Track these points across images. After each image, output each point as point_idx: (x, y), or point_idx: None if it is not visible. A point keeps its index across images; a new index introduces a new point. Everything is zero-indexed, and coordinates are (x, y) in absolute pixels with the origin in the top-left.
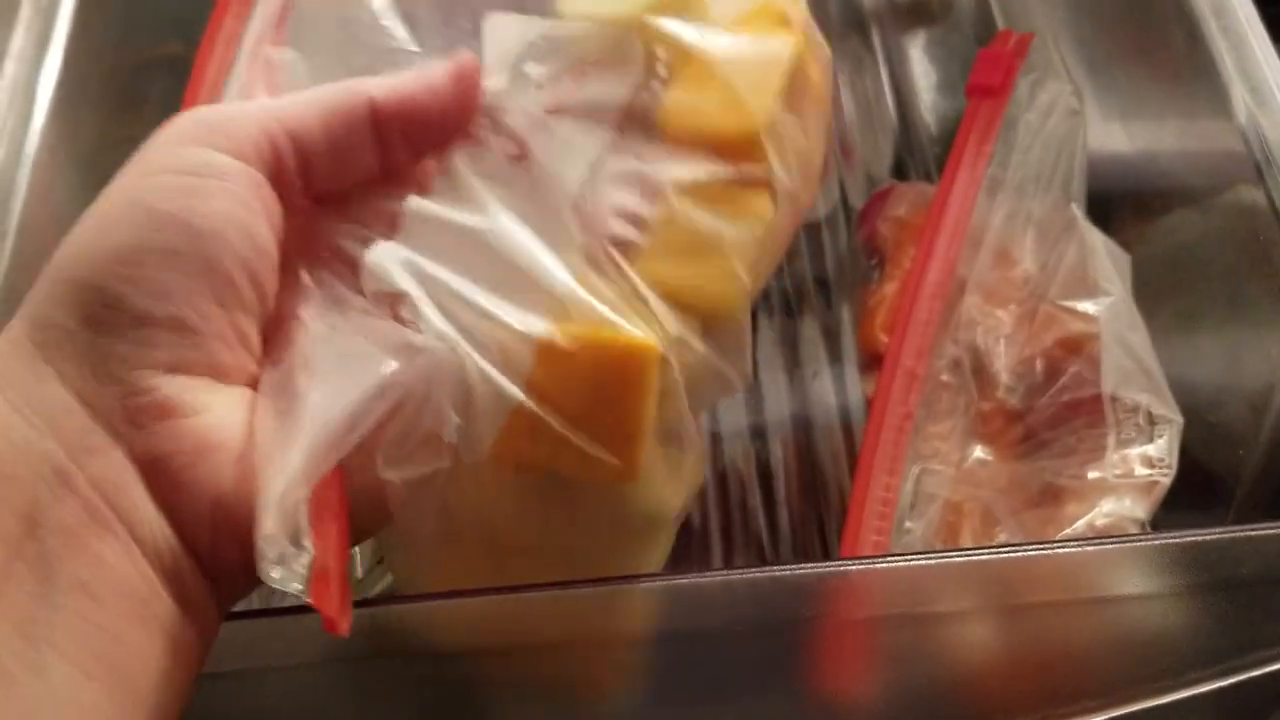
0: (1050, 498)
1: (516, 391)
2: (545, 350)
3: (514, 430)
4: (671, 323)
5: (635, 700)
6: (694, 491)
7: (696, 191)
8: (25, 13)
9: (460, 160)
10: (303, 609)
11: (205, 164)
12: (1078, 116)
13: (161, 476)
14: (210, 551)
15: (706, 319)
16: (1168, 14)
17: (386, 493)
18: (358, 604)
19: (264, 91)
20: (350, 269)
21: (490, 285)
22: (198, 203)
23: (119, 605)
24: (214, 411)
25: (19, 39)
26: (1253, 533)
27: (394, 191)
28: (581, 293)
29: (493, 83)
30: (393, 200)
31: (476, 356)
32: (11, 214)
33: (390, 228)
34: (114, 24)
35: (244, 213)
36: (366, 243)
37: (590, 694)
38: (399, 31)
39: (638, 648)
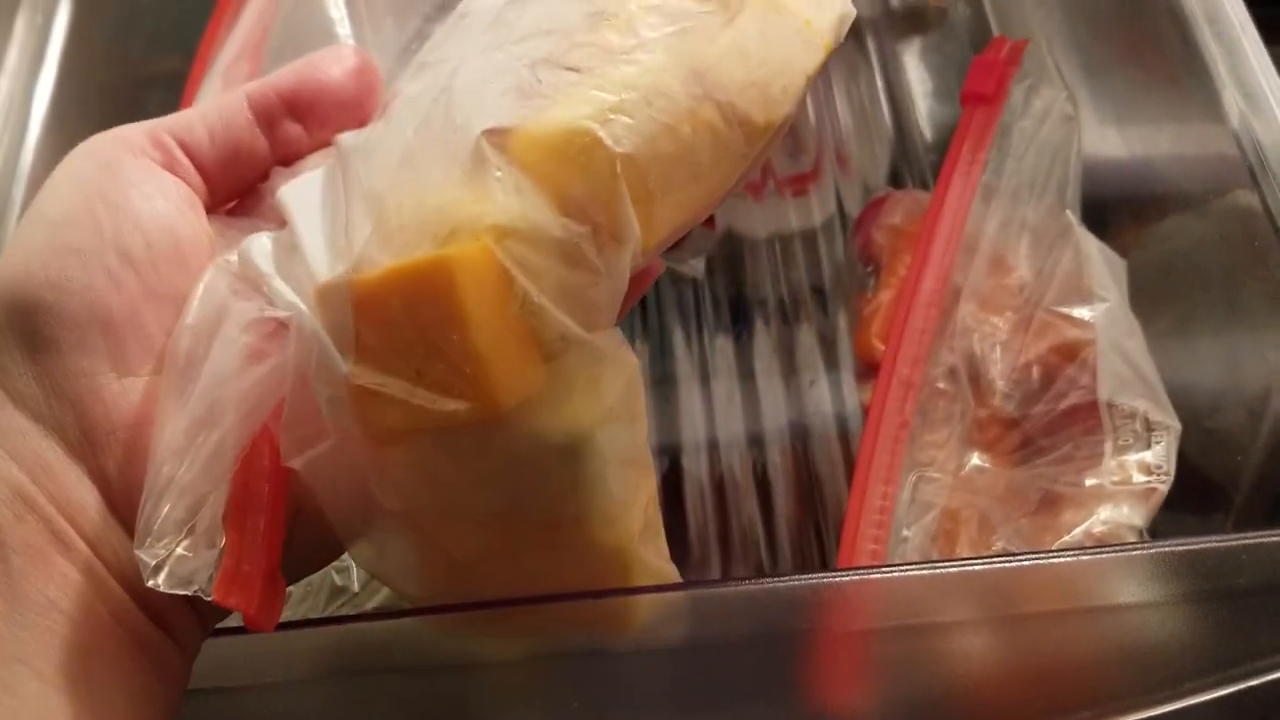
0: (1047, 505)
1: (339, 359)
2: (357, 294)
3: (360, 397)
4: (528, 207)
5: (632, 713)
6: (628, 407)
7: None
8: (20, 29)
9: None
10: (287, 625)
11: (97, 164)
12: (1072, 122)
13: (120, 493)
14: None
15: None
16: (1161, 18)
17: (305, 487)
18: (333, 620)
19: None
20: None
21: (327, 236)
22: (93, 197)
23: (89, 622)
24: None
25: (13, 55)
26: (1251, 540)
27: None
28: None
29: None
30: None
31: (319, 329)
32: (6, 229)
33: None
34: (110, 40)
35: (148, 203)
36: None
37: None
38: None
39: (633, 660)
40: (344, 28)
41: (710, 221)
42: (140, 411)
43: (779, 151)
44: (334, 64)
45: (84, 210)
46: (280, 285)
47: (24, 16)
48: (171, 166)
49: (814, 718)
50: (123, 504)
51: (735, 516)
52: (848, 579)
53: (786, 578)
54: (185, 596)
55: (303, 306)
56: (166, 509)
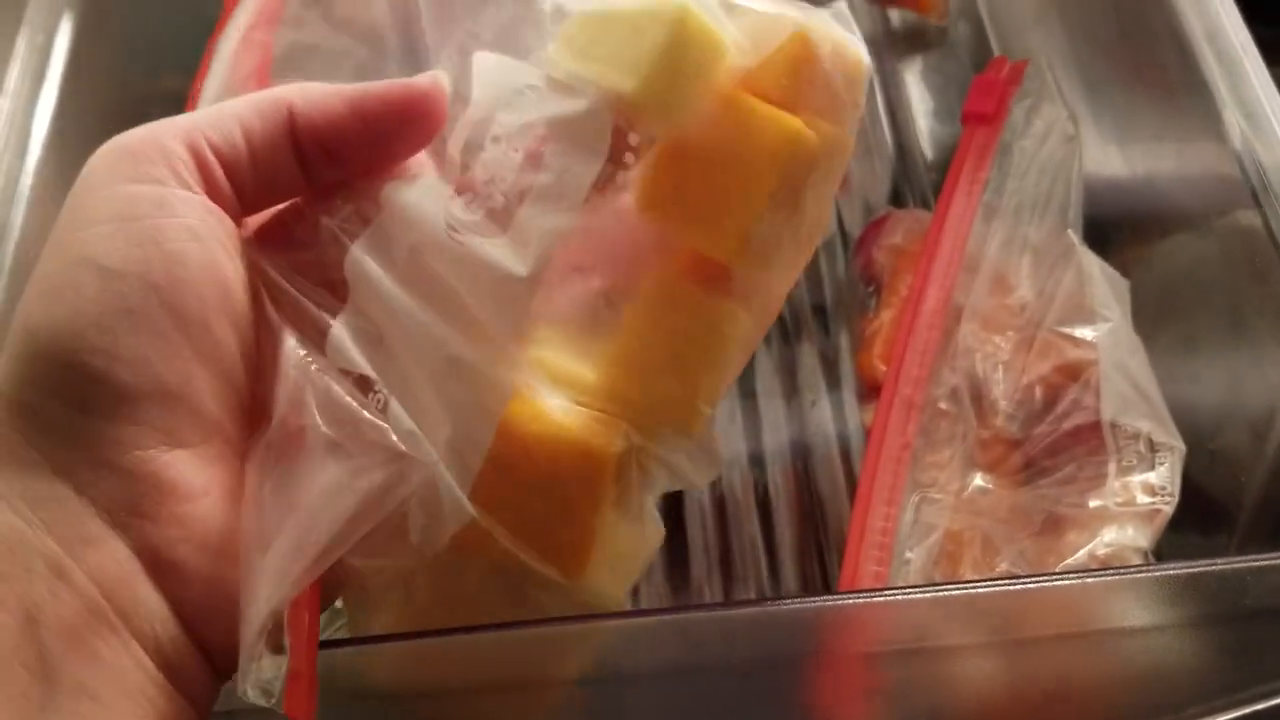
0: (1051, 526)
1: (469, 508)
2: (497, 446)
3: (466, 532)
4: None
5: None
6: (641, 573)
7: (663, 297)
8: (21, 48)
9: (395, 211)
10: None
11: (147, 204)
12: (1073, 142)
13: (166, 567)
14: (218, 637)
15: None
16: (1162, 38)
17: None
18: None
19: (253, 77)
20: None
21: (436, 372)
22: (150, 251)
23: (121, 705)
24: (212, 494)
25: (14, 76)
26: (1255, 563)
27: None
28: (532, 382)
29: (460, 128)
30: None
31: (440, 467)
32: (6, 252)
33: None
34: (111, 60)
35: (200, 247)
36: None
37: None
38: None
39: (636, 684)
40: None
41: None
42: (188, 483)
43: None
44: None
45: (137, 259)
46: (396, 406)
47: (25, 36)
48: (214, 191)
49: None
50: (167, 576)
51: (736, 537)
52: (851, 602)
53: (789, 600)
54: (214, 664)
55: (420, 435)
56: (261, 624)
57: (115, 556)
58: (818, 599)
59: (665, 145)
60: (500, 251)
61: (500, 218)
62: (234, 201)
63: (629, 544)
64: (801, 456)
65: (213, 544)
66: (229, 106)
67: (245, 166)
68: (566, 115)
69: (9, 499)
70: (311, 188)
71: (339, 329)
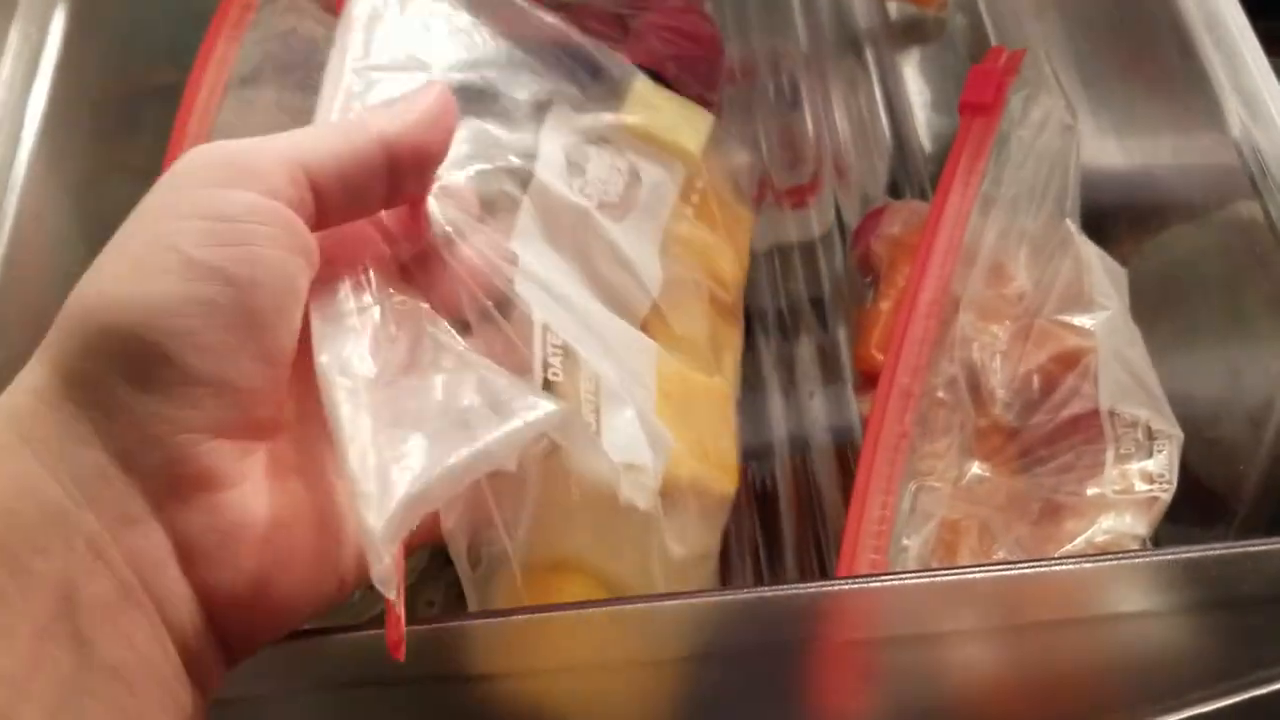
0: (1049, 515)
1: (671, 438)
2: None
3: None
4: None
5: None
6: None
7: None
8: (14, 39)
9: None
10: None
11: (241, 208)
12: (1071, 131)
13: (197, 555)
14: (238, 629)
15: None
16: (1161, 28)
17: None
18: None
19: None
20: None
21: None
22: (235, 250)
23: (148, 692)
24: (248, 483)
25: (7, 66)
26: (1254, 549)
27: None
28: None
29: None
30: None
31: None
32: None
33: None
34: (105, 52)
35: (282, 259)
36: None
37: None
38: None
39: (635, 670)
40: None
41: None
42: (225, 472)
43: (778, 163)
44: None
45: (224, 256)
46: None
47: (18, 27)
48: (301, 209)
49: None
50: (196, 564)
51: (734, 529)
52: (849, 586)
53: (787, 587)
54: (228, 656)
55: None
56: (404, 517)
57: (152, 539)
58: (815, 585)
59: None
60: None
61: (614, 212)
62: (315, 219)
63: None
64: (800, 449)
65: (241, 535)
66: (327, 132)
67: (335, 190)
68: (652, 153)
69: (54, 470)
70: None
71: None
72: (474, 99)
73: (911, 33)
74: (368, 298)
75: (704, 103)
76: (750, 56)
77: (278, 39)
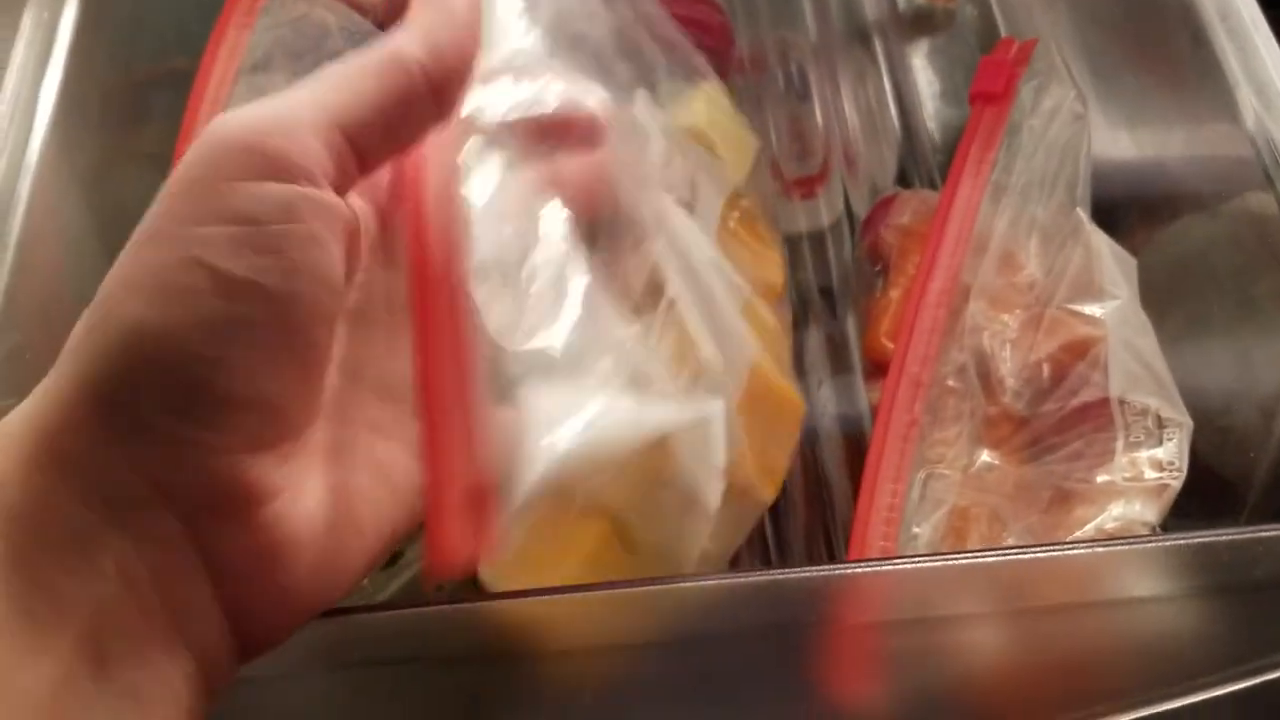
0: (1059, 502)
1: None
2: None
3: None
4: None
5: (642, 705)
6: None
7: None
8: (26, 26)
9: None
10: None
11: (272, 207)
12: (1081, 121)
13: (232, 572)
14: (260, 635)
15: None
16: (1173, 18)
17: None
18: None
19: None
20: None
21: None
22: (273, 260)
23: (158, 710)
24: (286, 491)
25: (20, 52)
26: (1265, 533)
27: None
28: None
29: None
30: None
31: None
32: (12, 227)
33: None
34: (116, 39)
35: (319, 259)
36: None
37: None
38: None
39: (645, 652)
40: None
41: None
42: (264, 485)
43: (787, 154)
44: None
45: (257, 269)
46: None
47: (31, 13)
48: (342, 179)
49: (826, 711)
50: (227, 578)
51: None
52: (859, 570)
53: (798, 570)
54: (241, 655)
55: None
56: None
57: (184, 560)
58: (825, 567)
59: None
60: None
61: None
62: (358, 174)
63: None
64: (810, 439)
65: (277, 558)
66: (358, 75)
67: (379, 139)
68: (706, 161)
69: (86, 493)
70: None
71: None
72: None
73: (920, 23)
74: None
75: None
76: (759, 47)
77: (289, 25)
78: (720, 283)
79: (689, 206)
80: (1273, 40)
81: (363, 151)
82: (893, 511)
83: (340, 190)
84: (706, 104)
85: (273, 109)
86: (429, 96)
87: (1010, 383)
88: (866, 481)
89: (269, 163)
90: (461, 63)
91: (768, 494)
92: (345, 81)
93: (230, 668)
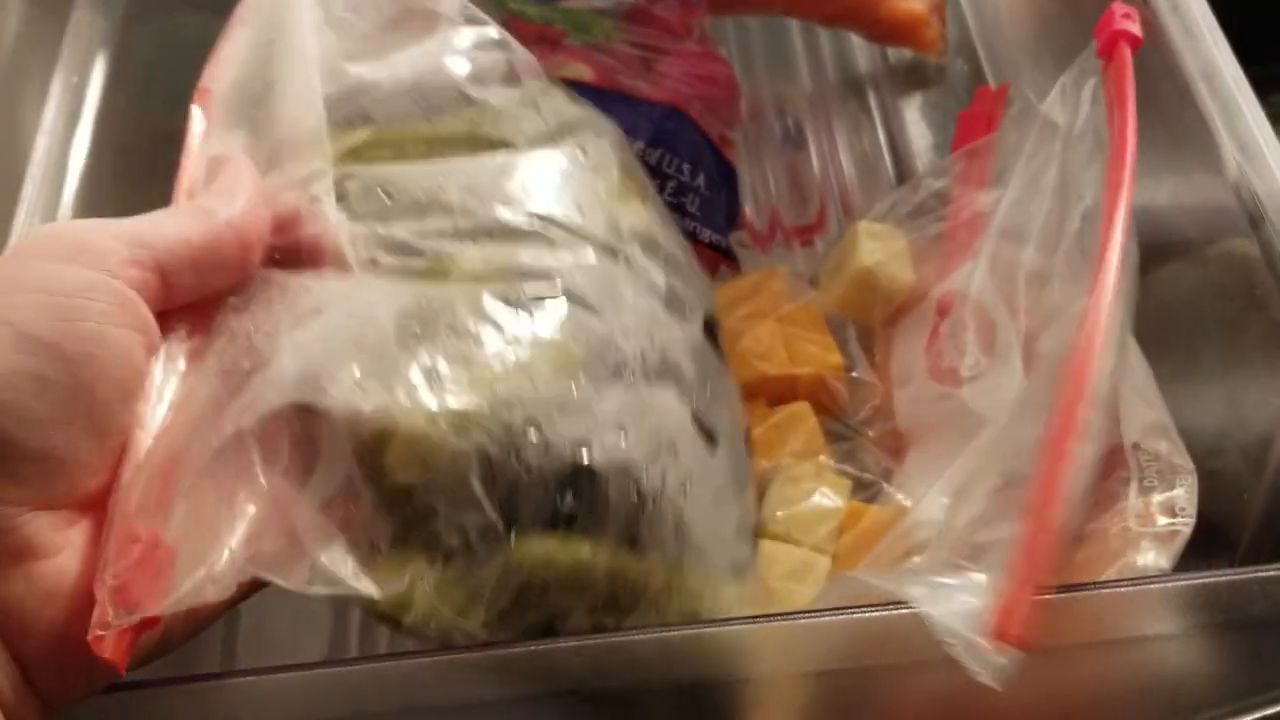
0: (1076, 551)
1: None
2: None
3: None
4: None
5: None
6: None
7: None
8: (56, 90)
9: None
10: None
11: (78, 284)
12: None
13: (12, 621)
14: (55, 686)
15: None
16: (1157, 75)
17: None
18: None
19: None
20: None
21: None
22: (70, 326)
23: None
24: (65, 552)
25: (50, 113)
26: (1263, 574)
27: None
28: None
29: None
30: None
31: None
32: None
33: None
34: (136, 98)
35: (118, 334)
36: None
37: None
38: None
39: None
40: None
41: (735, 264)
42: (44, 542)
43: (785, 203)
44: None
45: (56, 331)
46: None
47: (60, 77)
48: (145, 290)
49: None
50: (14, 628)
51: None
52: (857, 616)
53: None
54: (44, 707)
55: None
56: None
57: None
58: (838, 609)
59: None
60: None
61: None
62: (163, 299)
63: None
64: None
65: (59, 601)
66: (176, 220)
67: (186, 271)
68: None
69: None
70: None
71: None
72: None
73: (912, 77)
74: None
75: (724, 141)
76: (757, 100)
77: None
78: None
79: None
80: (1254, 97)
81: (170, 282)
82: None
83: (147, 299)
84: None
85: (94, 220)
86: (235, 248)
87: None
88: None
89: (80, 251)
90: (261, 226)
91: None
92: (164, 215)
93: (35, 713)
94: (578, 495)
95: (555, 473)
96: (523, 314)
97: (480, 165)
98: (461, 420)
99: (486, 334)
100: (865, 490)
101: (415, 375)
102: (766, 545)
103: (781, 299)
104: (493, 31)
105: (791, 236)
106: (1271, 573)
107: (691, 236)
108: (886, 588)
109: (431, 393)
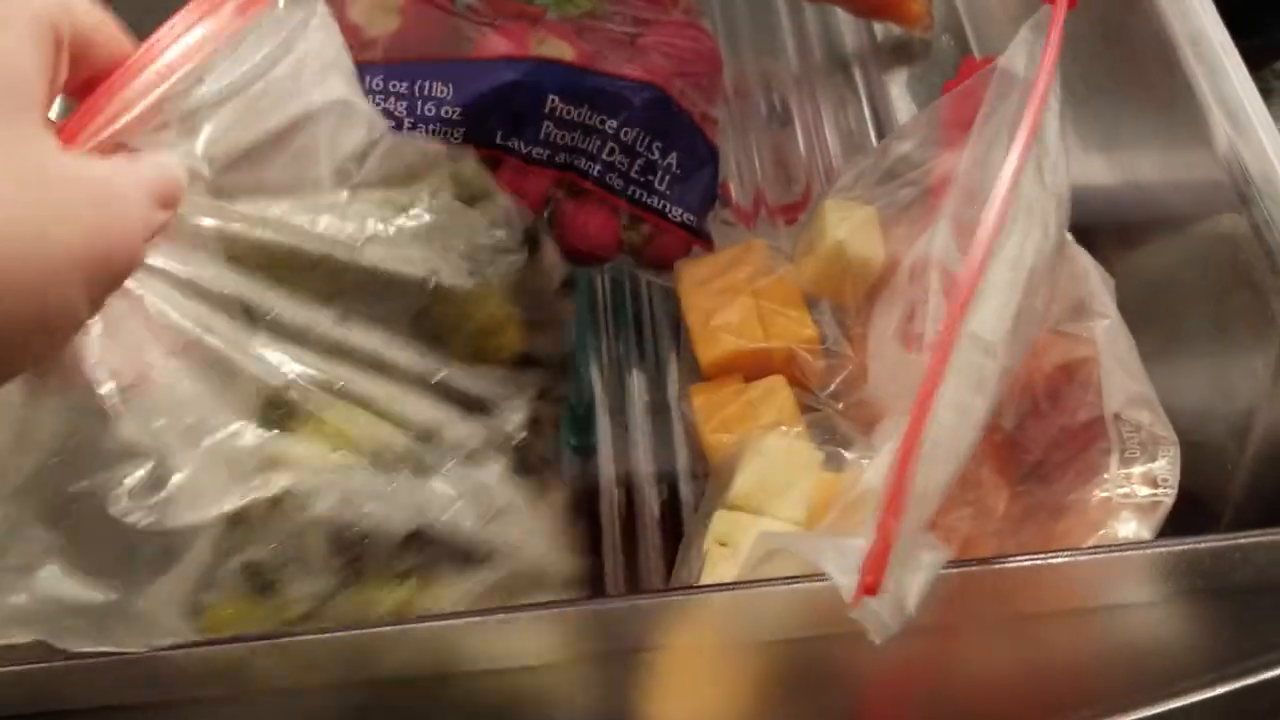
0: (1055, 520)
1: None
2: None
3: None
4: None
5: None
6: None
7: None
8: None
9: None
10: None
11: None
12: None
13: None
14: None
15: None
16: (1145, 44)
17: None
18: None
19: None
20: None
21: None
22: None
23: None
24: None
25: None
26: (1244, 540)
27: None
28: None
29: None
30: None
31: None
32: None
33: None
34: None
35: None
36: None
37: None
38: None
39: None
40: None
41: (707, 243)
42: None
43: (771, 181)
44: None
45: None
46: None
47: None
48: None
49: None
50: None
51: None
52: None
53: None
54: None
55: None
56: None
57: None
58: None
59: None
60: None
61: None
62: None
63: None
64: None
65: None
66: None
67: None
68: None
69: None
70: None
71: None
72: None
73: (898, 53)
74: None
75: (706, 120)
76: (743, 77)
77: None
78: None
79: None
80: (1242, 64)
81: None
82: None
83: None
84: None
85: None
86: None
87: (1006, 406)
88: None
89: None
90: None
91: None
92: None
93: None
94: None
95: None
96: None
97: None
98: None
99: None
100: (837, 462)
101: None
102: (740, 518)
103: (758, 272)
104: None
105: (776, 214)
106: (1250, 539)
107: (660, 215)
108: (795, 546)
109: None
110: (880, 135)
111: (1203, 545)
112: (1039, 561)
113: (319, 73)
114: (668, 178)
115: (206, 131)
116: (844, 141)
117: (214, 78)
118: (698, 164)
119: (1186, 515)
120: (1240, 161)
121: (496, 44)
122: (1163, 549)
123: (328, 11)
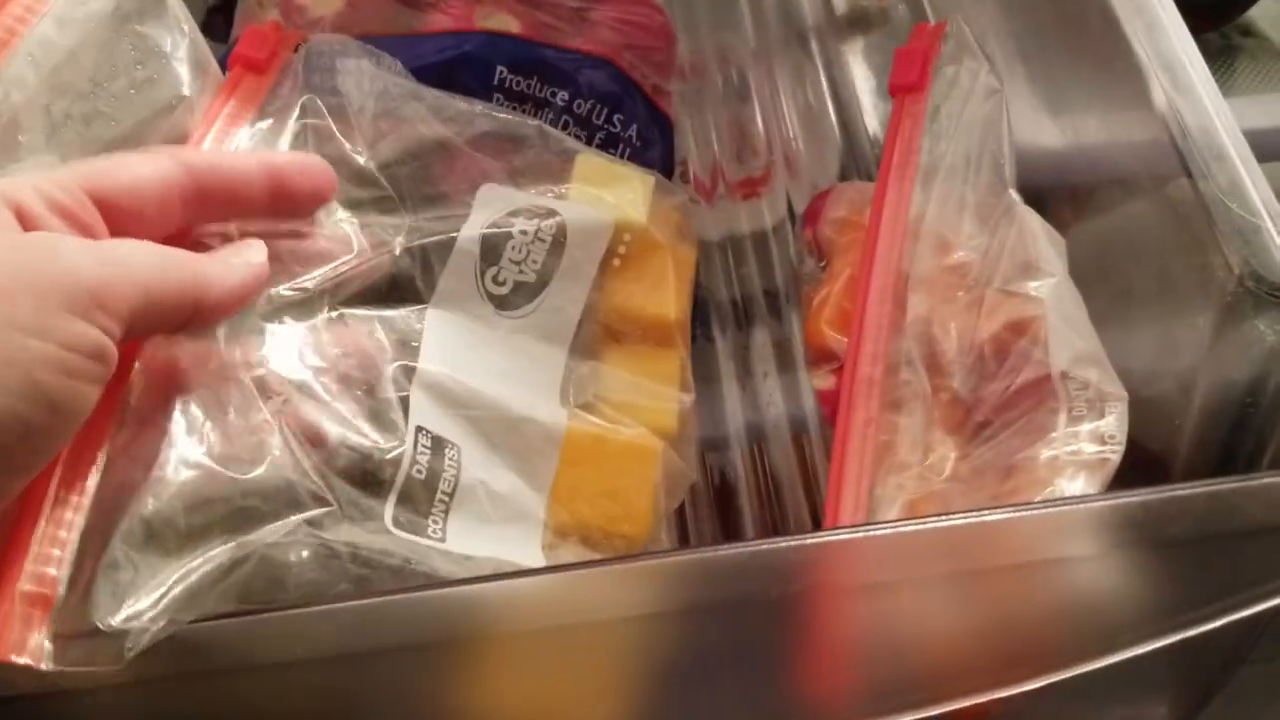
0: (1004, 480)
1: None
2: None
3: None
4: None
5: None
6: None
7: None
8: None
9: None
10: None
11: (89, 346)
12: (998, 95)
13: None
14: None
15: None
16: (1088, 3)
17: None
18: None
19: None
20: None
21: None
22: (74, 385)
23: None
24: None
25: None
26: (1180, 492)
27: None
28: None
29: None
30: None
31: None
32: None
33: None
34: None
35: (96, 395)
36: None
37: None
38: None
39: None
40: None
41: None
42: None
43: (729, 156)
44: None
45: (66, 391)
46: None
47: None
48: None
49: (781, 680)
50: None
51: (694, 519)
52: (812, 540)
53: (761, 541)
54: None
55: None
56: None
57: None
58: (790, 539)
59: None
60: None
61: (532, 289)
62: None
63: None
64: (758, 439)
65: None
66: (161, 270)
67: (140, 329)
68: (585, 221)
69: None
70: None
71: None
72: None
73: (856, 23)
74: None
75: (659, 91)
76: (699, 52)
77: None
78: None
79: (536, 286)
80: (1178, 16)
81: (129, 332)
82: (858, 512)
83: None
84: (581, 177)
85: (101, 259)
86: (194, 318)
87: (955, 367)
88: (832, 486)
89: (90, 306)
90: (236, 304)
91: (629, 529)
92: (159, 271)
93: None
94: None
95: None
96: None
97: None
98: None
99: None
100: None
101: None
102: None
103: None
104: None
105: (735, 189)
106: (1187, 490)
107: None
108: None
109: None
110: (838, 106)
111: (1138, 498)
112: (977, 519)
113: None
114: (628, 151)
115: None
116: (802, 115)
117: None
118: (653, 138)
119: (1140, 470)
120: (1179, 119)
121: (442, 21)
122: (1099, 503)
123: None
